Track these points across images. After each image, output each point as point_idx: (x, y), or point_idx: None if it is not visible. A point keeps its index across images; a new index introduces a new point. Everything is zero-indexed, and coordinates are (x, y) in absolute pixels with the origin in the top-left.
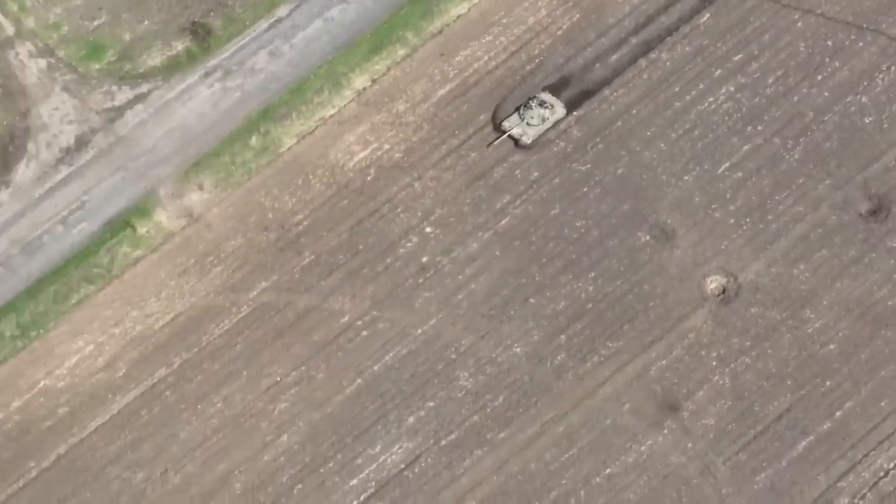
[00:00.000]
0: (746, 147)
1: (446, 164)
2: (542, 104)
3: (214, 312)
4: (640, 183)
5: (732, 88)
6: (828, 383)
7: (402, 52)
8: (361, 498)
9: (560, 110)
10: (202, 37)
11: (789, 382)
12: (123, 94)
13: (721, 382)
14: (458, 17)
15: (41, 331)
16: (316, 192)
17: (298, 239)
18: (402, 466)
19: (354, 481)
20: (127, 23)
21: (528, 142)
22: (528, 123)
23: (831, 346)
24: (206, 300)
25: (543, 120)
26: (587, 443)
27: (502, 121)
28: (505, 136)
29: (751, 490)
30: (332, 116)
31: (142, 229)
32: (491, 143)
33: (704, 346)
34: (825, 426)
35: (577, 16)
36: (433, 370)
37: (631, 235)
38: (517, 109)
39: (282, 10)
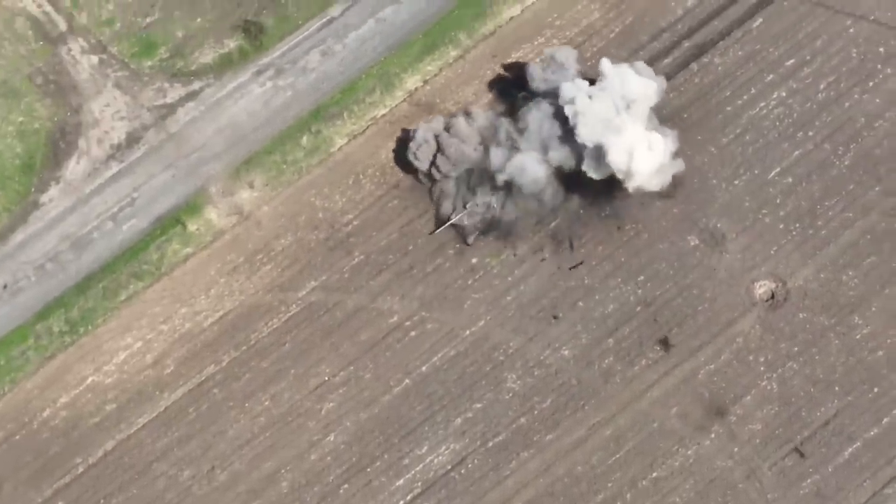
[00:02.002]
0: (797, 152)
1: None
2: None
3: (263, 311)
4: (690, 186)
5: (784, 93)
6: (875, 390)
7: (454, 53)
8: (408, 498)
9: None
10: (254, 35)
11: (837, 388)
12: (175, 92)
13: (768, 387)
14: (510, 18)
15: (90, 326)
16: (366, 192)
17: (348, 238)
18: (449, 467)
19: (401, 482)
20: (179, 20)
21: (470, 240)
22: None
23: (879, 353)
24: (256, 298)
25: (488, 207)
26: (634, 446)
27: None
28: (448, 224)
29: (797, 495)
30: (383, 116)
31: (192, 227)
32: (433, 232)
33: (752, 350)
34: (872, 432)
35: (630, 19)
36: (481, 371)
37: (681, 239)
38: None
39: (334, 10)
